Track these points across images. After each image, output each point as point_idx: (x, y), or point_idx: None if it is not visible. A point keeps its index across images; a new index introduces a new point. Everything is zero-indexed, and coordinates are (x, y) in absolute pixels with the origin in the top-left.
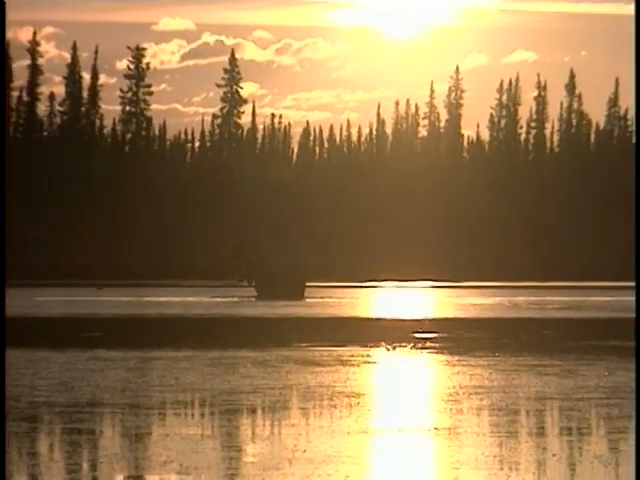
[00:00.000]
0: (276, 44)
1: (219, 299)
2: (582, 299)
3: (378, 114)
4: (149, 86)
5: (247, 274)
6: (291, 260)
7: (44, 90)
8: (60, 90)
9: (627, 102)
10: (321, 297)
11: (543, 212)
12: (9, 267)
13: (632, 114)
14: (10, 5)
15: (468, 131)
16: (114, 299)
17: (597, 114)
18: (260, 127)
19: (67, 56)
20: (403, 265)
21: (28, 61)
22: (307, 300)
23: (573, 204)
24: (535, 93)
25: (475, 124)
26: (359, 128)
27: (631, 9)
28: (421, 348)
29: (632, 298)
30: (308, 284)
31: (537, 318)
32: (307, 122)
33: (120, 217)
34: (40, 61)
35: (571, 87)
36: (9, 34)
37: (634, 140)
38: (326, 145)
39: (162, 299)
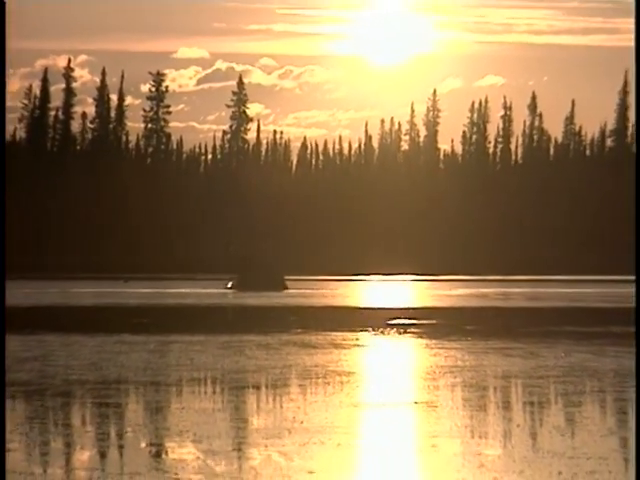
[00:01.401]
0: (279, 70)
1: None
2: (543, 290)
3: (366, 131)
4: (168, 106)
5: (235, 267)
6: (272, 256)
7: (77, 110)
8: (91, 110)
9: (581, 120)
10: (299, 288)
11: (509, 214)
12: (49, 264)
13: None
14: (49, 35)
15: (444, 145)
16: (138, 291)
17: (555, 131)
18: (264, 142)
19: (97, 80)
20: (387, 260)
21: (64, 85)
22: (288, 291)
23: (534, 208)
24: (502, 112)
25: (450, 139)
26: (350, 143)
27: (586, 40)
28: (403, 333)
29: (587, 290)
30: (302, 277)
31: (503, 307)
32: (305, 137)
33: (143, 219)
34: (74, 85)
35: (533, 107)
36: (48, 61)
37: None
38: (321, 157)
39: (178, 290)
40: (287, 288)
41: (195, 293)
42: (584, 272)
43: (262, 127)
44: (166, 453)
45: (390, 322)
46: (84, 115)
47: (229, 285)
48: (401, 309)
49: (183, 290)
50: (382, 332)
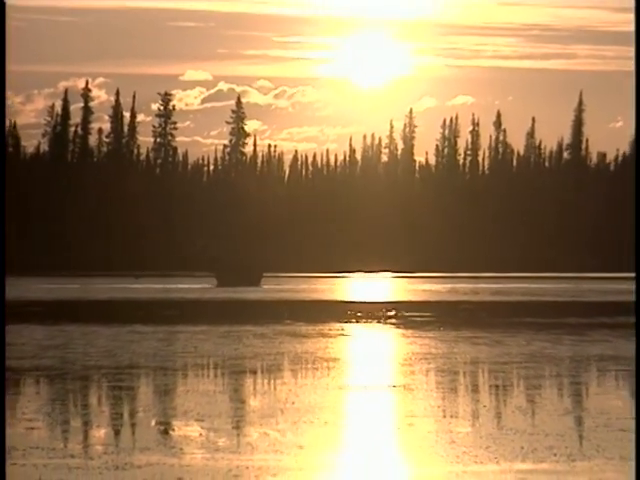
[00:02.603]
0: (274, 90)
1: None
2: (506, 286)
3: (350, 144)
4: (175, 123)
5: (210, 266)
6: (251, 256)
7: (94, 126)
8: (107, 126)
9: (541, 135)
10: (276, 284)
11: (476, 219)
12: (71, 262)
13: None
14: (70, 60)
15: (419, 157)
16: (147, 286)
17: (518, 144)
18: (260, 154)
19: (112, 100)
20: (369, 259)
21: (82, 104)
22: (264, 287)
23: (499, 213)
24: (471, 128)
25: (425, 152)
26: (336, 155)
27: (546, 64)
28: (383, 324)
29: (545, 285)
30: (293, 275)
31: (472, 301)
32: (296, 150)
33: (152, 222)
34: (92, 104)
35: (498, 123)
36: (69, 83)
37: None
38: (311, 168)
39: (181, 286)
40: (262, 284)
41: (199, 289)
42: (543, 269)
43: (258, 141)
44: (173, 430)
45: (371, 314)
46: (100, 131)
47: (214, 282)
48: (381, 303)
49: (185, 285)
50: (364, 323)
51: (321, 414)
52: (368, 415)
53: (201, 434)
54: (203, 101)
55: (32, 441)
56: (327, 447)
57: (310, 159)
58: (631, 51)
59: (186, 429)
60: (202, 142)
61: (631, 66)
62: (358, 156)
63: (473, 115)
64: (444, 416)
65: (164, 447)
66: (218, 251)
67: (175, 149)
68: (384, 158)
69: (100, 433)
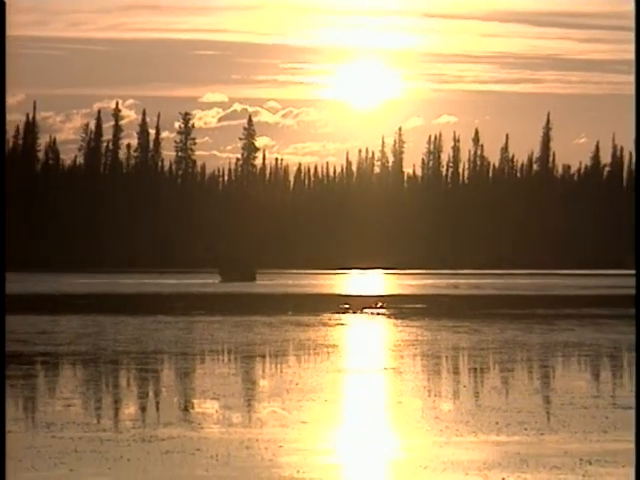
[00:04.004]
0: (282, 111)
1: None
2: (483, 281)
3: (347, 158)
4: (195, 139)
5: (214, 264)
6: (243, 254)
7: (124, 142)
8: (134, 142)
9: (513, 150)
10: (280, 280)
11: (458, 222)
12: (103, 259)
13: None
14: (103, 84)
15: (408, 169)
16: (169, 282)
17: (493, 158)
18: (268, 166)
19: (140, 119)
20: (364, 258)
21: (113, 122)
22: (258, 282)
23: (477, 217)
24: (452, 144)
25: (412, 164)
26: (334, 167)
27: (518, 88)
28: (376, 315)
29: (519, 281)
30: (296, 272)
31: (453, 294)
32: (300, 163)
33: (174, 226)
34: (121, 122)
35: (476, 140)
36: (102, 104)
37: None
38: (313, 179)
39: (199, 281)
40: (256, 280)
41: (211, 284)
42: (514, 266)
43: (267, 155)
44: (192, 408)
45: (365, 306)
46: (129, 146)
47: (218, 277)
48: (375, 296)
49: (202, 281)
50: (359, 314)
51: (322, 393)
52: (363, 394)
53: (217, 411)
54: (219, 120)
55: (69, 417)
56: (327, 422)
57: (312, 170)
58: (598, 75)
59: (204, 406)
60: (218, 156)
61: (593, 90)
62: (354, 168)
63: (454, 132)
64: (429, 395)
65: (184, 422)
66: (222, 250)
67: (194, 162)
68: (377, 170)
69: (128, 410)
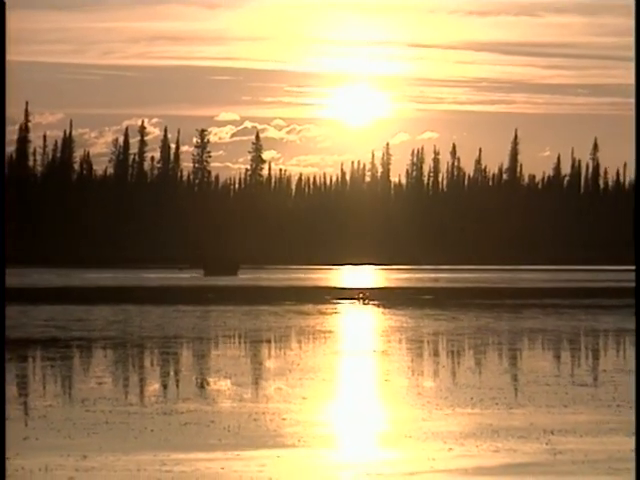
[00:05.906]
0: (287, 128)
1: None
2: (461, 276)
3: (342, 169)
4: (210, 152)
5: (199, 260)
6: (227, 251)
7: (148, 155)
8: (157, 155)
9: (486, 162)
10: (252, 274)
11: (439, 224)
12: (130, 257)
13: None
14: (131, 104)
15: (394, 178)
16: (187, 276)
17: (468, 169)
18: (273, 177)
19: (162, 135)
20: (356, 255)
21: (139, 137)
22: (240, 276)
23: (455, 220)
24: (433, 156)
25: (398, 174)
26: (331, 177)
27: (492, 108)
28: (367, 304)
29: (490, 275)
30: (297, 267)
31: (434, 287)
32: (301, 174)
33: (192, 227)
34: (146, 138)
35: (454, 153)
36: (130, 122)
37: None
38: (312, 187)
39: (214, 276)
40: (237, 274)
41: (224, 278)
42: (486, 262)
43: (273, 167)
44: (208, 385)
45: (358, 297)
46: (152, 158)
47: (201, 272)
48: (365, 288)
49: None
50: (352, 304)
51: (320, 373)
52: (355, 374)
53: (228, 388)
54: (232, 136)
55: (100, 393)
56: (324, 398)
57: (312, 180)
58: (559, 98)
59: (217, 384)
60: (231, 167)
61: (556, 110)
62: (348, 178)
63: (435, 147)
64: (413, 374)
65: (200, 397)
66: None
67: (210, 172)
68: (367, 179)
69: (152, 387)
